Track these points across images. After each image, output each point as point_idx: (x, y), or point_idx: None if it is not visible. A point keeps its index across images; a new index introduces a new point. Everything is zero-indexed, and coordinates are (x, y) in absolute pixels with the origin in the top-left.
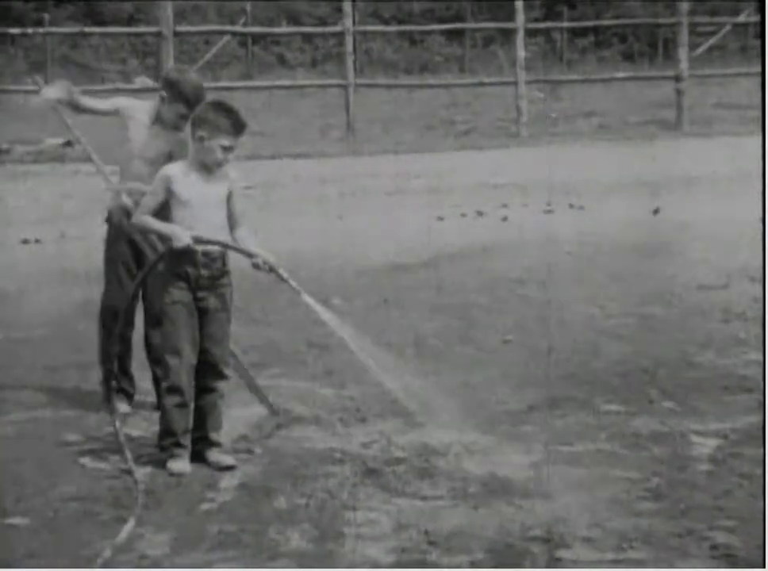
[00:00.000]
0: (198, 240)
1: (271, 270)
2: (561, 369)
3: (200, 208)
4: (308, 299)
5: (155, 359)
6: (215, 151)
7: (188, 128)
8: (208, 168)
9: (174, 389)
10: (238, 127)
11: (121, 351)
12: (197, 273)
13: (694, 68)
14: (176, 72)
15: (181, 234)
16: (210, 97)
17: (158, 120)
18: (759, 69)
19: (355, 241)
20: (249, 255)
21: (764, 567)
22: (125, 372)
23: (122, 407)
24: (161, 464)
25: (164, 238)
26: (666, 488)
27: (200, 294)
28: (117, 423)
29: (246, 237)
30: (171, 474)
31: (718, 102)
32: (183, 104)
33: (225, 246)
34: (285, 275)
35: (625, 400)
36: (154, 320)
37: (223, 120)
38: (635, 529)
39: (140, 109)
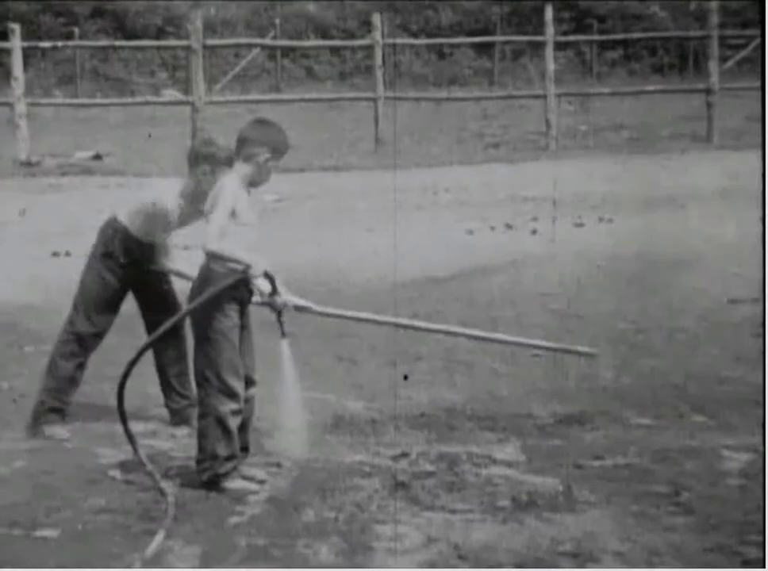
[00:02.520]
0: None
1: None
2: (590, 382)
3: (250, 226)
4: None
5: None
6: (271, 171)
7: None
8: (253, 187)
9: (239, 412)
10: (288, 147)
11: (77, 377)
12: (249, 295)
13: (724, 81)
14: (209, 145)
15: (259, 263)
16: (235, 111)
17: (194, 196)
18: None
19: (384, 254)
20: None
21: (764, 567)
22: (68, 395)
23: (63, 433)
24: (189, 477)
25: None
26: (696, 502)
27: (244, 313)
28: (142, 453)
29: None
30: (238, 495)
31: (749, 115)
32: (227, 166)
33: (269, 277)
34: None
35: (655, 415)
36: (204, 344)
37: (283, 142)
38: (666, 544)
39: (175, 198)
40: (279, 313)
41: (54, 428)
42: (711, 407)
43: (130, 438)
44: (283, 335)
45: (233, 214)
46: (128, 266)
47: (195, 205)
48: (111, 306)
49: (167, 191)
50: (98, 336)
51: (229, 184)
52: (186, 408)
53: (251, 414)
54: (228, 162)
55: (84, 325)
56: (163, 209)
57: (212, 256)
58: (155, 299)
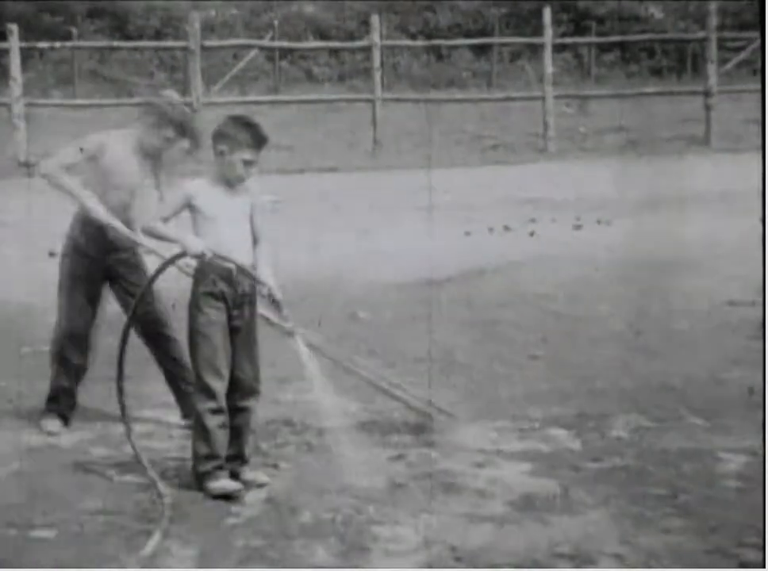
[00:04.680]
0: (217, 256)
1: (273, 302)
2: (589, 385)
3: (224, 223)
4: (299, 343)
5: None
6: (236, 165)
7: (170, 153)
8: (230, 183)
9: (219, 411)
10: (258, 140)
11: (76, 377)
12: (234, 293)
13: (723, 83)
14: (161, 98)
15: (192, 243)
16: (234, 112)
17: (141, 148)
18: None
19: (382, 256)
20: (259, 283)
21: (764, 567)
22: (72, 394)
23: (53, 425)
24: (186, 478)
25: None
26: (694, 504)
27: (234, 313)
28: (139, 450)
29: (265, 254)
30: (217, 495)
31: (747, 118)
32: (172, 128)
33: (240, 268)
34: (284, 313)
35: (653, 417)
36: (189, 342)
37: (243, 134)
38: (664, 546)
39: (116, 140)
40: (277, 310)
41: (47, 421)
42: (709, 409)
43: (129, 435)
44: (290, 332)
45: (193, 208)
46: (95, 255)
47: (140, 162)
48: (87, 302)
49: (109, 139)
50: (82, 335)
51: (192, 182)
52: None
53: (247, 423)
54: (180, 123)
55: (65, 325)
56: (103, 147)
57: (145, 233)
58: (131, 291)
